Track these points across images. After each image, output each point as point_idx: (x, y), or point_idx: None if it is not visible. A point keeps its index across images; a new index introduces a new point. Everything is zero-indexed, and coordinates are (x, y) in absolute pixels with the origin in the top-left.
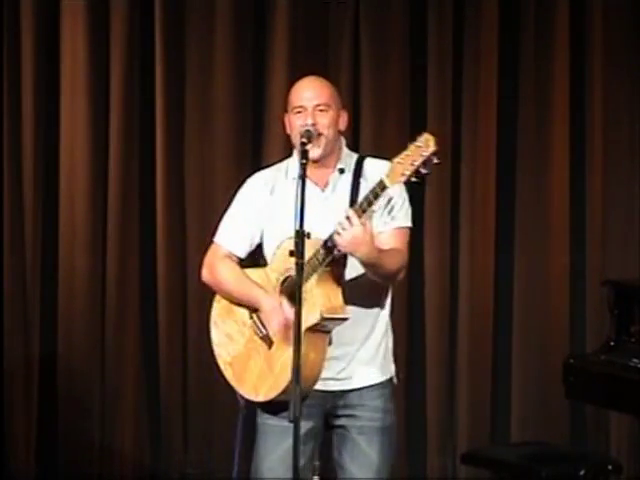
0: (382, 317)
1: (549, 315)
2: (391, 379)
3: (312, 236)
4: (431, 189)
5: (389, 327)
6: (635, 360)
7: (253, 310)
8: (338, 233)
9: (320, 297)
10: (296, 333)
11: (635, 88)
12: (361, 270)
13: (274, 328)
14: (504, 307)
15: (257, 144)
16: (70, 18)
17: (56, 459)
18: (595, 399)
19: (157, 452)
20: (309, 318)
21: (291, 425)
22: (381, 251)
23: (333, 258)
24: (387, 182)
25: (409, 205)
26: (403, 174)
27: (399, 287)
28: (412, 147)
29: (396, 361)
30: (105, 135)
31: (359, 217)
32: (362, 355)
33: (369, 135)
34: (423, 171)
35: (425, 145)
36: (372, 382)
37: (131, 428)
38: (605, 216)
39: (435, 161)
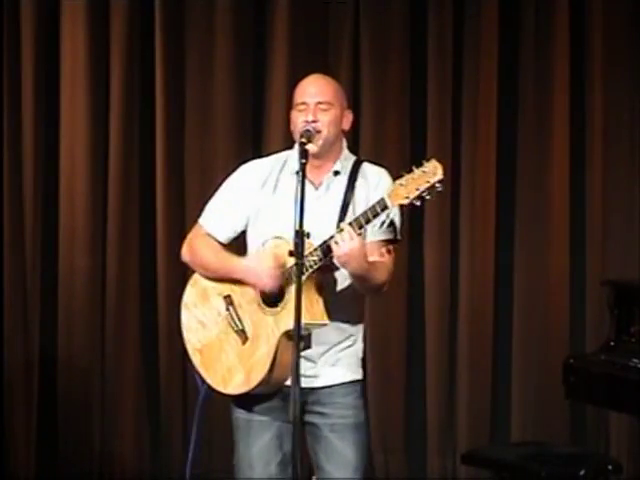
0: (360, 328)
1: (549, 315)
2: (361, 380)
3: (309, 237)
4: None
5: (362, 335)
6: (635, 360)
7: (230, 303)
8: (336, 242)
9: (302, 302)
10: (296, 333)
11: (635, 88)
12: (345, 283)
13: (259, 285)
14: (504, 307)
15: (257, 144)
16: (70, 18)
17: (56, 459)
18: (595, 399)
19: (157, 453)
20: (288, 322)
21: (266, 420)
22: (371, 264)
23: (322, 266)
24: (389, 202)
25: (400, 219)
26: (407, 197)
27: (399, 288)
28: (418, 172)
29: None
30: (105, 135)
31: (355, 232)
32: (333, 358)
33: (369, 135)
34: (427, 197)
35: (432, 172)
36: (340, 381)
37: (131, 429)
38: (605, 216)
39: (439, 189)
